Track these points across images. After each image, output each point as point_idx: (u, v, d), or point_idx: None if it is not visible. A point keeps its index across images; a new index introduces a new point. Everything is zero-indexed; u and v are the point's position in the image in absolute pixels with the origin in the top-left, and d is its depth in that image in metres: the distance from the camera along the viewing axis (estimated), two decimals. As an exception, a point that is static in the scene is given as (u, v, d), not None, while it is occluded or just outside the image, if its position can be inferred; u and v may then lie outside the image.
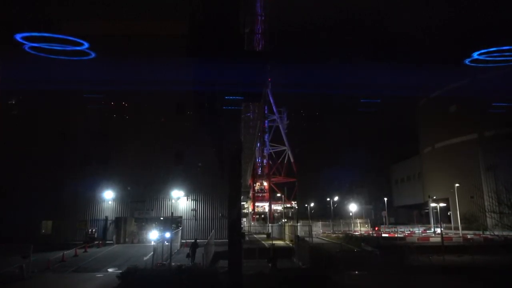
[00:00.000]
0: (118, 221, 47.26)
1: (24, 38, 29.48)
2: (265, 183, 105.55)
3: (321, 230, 61.83)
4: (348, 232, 59.52)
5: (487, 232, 47.56)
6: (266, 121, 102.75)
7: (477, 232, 52.55)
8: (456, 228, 59.19)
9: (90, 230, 45.93)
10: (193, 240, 28.27)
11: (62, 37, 29.57)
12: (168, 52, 30.45)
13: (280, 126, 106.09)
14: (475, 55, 41.63)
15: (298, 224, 60.23)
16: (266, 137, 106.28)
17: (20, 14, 28.97)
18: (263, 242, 45.46)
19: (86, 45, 31.06)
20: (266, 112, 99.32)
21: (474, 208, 56.61)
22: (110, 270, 27.43)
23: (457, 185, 60.44)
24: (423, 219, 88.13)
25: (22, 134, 44.90)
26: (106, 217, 46.76)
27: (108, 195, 47.00)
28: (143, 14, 31.19)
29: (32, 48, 30.70)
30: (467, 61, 43.58)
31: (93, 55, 32.72)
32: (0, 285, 20.39)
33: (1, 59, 31.53)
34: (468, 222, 59.81)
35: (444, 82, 73.57)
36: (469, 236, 47.40)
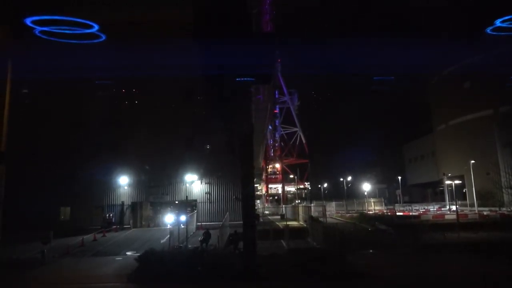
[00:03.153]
0: (134, 206, 48.13)
1: (34, 22, 29.46)
2: (277, 165, 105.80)
3: (334, 210, 61.94)
4: (362, 211, 59.55)
5: (504, 209, 47.18)
6: (277, 106, 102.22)
7: (493, 208, 52.09)
8: (472, 205, 58.77)
9: (107, 215, 46.93)
10: (205, 230, 28.66)
11: (72, 19, 29.42)
12: (177, 37, 30.26)
13: (291, 107, 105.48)
14: (498, 22, 39.61)
15: (312, 204, 60.48)
16: (277, 122, 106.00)
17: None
18: (277, 223, 45.83)
19: (96, 27, 30.85)
20: (276, 96, 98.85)
21: (490, 185, 56.07)
22: (128, 253, 28.07)
23: (472, 161, 59.77)
24: (437, 197, 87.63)
25: (37, 123, 45.50)
26: (123, 202, 47.62)
27: (124, 181, 47.74)
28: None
29: (42, 32, 30.64)
30: (488, 30, 41.55)
31: (103, 37, 32.46)
32: (23, 270, 21.14)
33: (12, 48, 31.66)
34: (484, 199, 59.31)
35: (458, 57, 71.74)
36: (485, 213, 46.97)
